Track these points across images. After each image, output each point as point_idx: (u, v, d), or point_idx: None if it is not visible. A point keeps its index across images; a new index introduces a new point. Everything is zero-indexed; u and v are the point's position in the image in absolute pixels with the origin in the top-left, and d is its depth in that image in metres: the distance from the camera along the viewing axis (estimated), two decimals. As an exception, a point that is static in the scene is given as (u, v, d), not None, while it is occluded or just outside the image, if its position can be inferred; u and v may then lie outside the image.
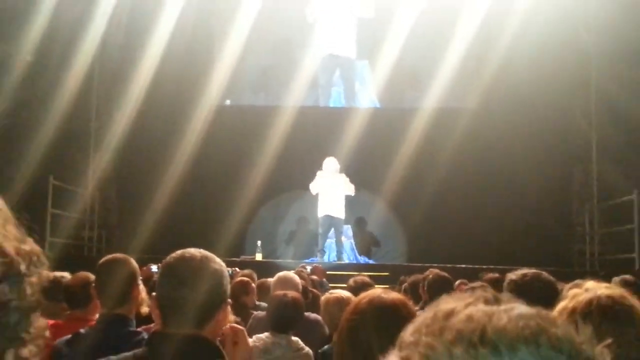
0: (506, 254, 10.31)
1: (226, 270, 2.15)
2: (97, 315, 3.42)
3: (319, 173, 11.83)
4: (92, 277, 3.70)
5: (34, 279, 0.73)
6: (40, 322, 0.75)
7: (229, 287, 2.17)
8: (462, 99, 13.57)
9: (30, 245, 0.76)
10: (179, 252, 2.10)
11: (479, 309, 0.67)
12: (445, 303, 0.71)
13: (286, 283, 5.19)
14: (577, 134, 12.74)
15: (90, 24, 11.95)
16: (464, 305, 0.69)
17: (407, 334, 0.69)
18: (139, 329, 3.17)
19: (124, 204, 12.94)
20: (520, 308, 0.68)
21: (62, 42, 11.65)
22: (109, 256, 3.40)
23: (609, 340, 2.02)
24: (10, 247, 0.71)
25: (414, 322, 0.70)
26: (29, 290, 0.72)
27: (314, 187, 11.78)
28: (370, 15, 13.39)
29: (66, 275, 4.34)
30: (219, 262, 2.11)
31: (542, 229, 12.13)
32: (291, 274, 5.69)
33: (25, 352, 0.72)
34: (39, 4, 11.23)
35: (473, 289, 4.67)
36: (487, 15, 12.67)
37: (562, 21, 12.53)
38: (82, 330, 3.23)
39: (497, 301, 0.70)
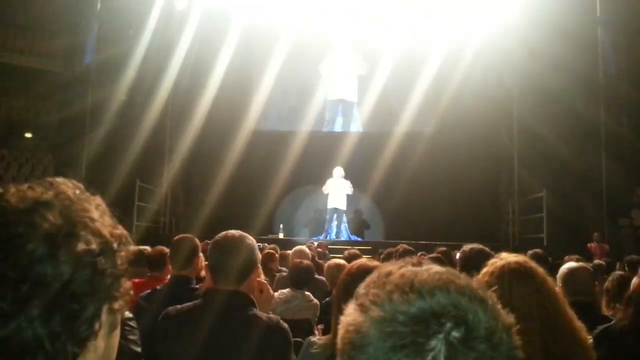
0: (454, 234, 10.28)
1: (256, 244, 2.16)
2: (169, 276, 3.44)
3: (330, 179, 11.84)
4: (165, 249, 3.73)
5: (122, 254, 0.74)
6: (127, 284, 0.75)
7: (259, 256, 2.16)
8: (423, 124, 13.57)
9: (120, 230, 0.76)
10: (223, 232, 2.13)
11: (409, 269, 0.68)
12: (386, 266, 0.72)
13: (301, 254, 5.20)
14: (503, 149, 12.69)
15: (166, 72, 12.00)
16: (398, 268, 0.69)
17: (361, 288, 0.70)
18: (197, 286, 3.18)
19: (188, 198, 12.96)
20: (436, 268, 0.68)
21: (146, 85, 11.72)
22: (180, 235, 3.40)
23: (495, 287, 2.04)
24: (105, 231, 0.72)
25: (365, 280, 0.71)
26: (119, 262, 0.73)
27: (325, 187, 11.82)
28: (364, 72, 13.48)
29: (147, 248, 4.36)
30: (251, 239, 2.12)
31: (479, 216, 12.09)
32: (304, 247, 5.69)
33: (116, 305, 0.73)
34: (131, 58, 11.31)
35: (423, 257, 4.71)
36: (442, 63, 12.66)
37: (493, 69, 12.52)
38: (158, 287, 3.25)
39: (420, 264, 0.70)
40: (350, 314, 0.67)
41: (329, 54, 13.60)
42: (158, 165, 12.18)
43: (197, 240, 3.29)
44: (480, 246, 3.11)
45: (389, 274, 0.69)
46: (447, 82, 12.64)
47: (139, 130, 11.18)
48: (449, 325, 0.60)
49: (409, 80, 12.86)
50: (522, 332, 1.70)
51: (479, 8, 12.24)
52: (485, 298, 0.65)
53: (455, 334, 0.60)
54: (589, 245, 9.93)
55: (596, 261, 7.07)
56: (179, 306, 2.08)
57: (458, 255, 3.27)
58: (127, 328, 2.15)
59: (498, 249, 2.28)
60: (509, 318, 0.66)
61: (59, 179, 0.75)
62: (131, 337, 2.18)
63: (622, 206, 12.19)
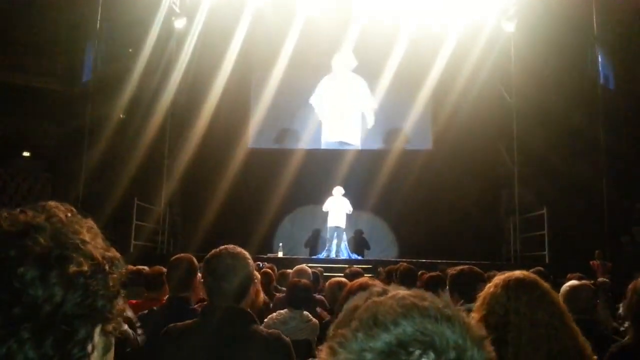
0: (455, 252, 10.25)
1: (251, 261, 2.10)
2: (166, 297, 3.41)
3: (330, 198, 11.84)
4: (163, 269, 3.69)
5: (115, 276, 0.75)
6: (120, 306, 0.76)
7: (254, 271, 2.13)
8: (422, 142, 13.63)
9: (112, 252, 0.77)
10: (214, 251, 2.07)
11: (373, 301, 0.67)
12: (352, 302, 0.71)
13: (301, 272, 5.16)
14: (503, 167, 12.69)
15: (164, 90, 12.07)
16: (364, 300, 0.69)
17: (330, 329, 0.69)
18: (196, 306, 3.15)
19: (186, 217, 12.93)
20: (401, 293, 0.68)
21: (144, 104, 11.77)
22: (177, 255, 3.36)
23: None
24: (97, 253, 0.73)
25: (336, 320, 0.71)
26: (111, 283, 0.73)
27: (325, 206, 11.83)
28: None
29: (145, 268, 4.34)
30: (244, 254, 2.07)
31: (480, 234, 12.06)
32: (305, 266, 5.65)
33: (109, 327, 0.74)
34: (130, 76, 11.38)
35: (424, 275, 4.68)
36: (441, 81, 12.72)
37: (492, 87, 12.58)
38: (154, 308, 3.22)
39: (385, 292, 0.70)
40: (322, 358, 0.66)
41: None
42: (156, 183, 12.17)
43: (195, 261, 3.23)
44: (470, 267, 3.13)
45: (355, 309, 0.68)
46: (445, 99, 12.71)
47: (137, 149, 11.20)
48: (417, 352, 0.60)
49: (407, 98, 12.94)
50: (529, 339, 1.69)
51: (477, 26, 12.35)
52: (452, 316, 0.64)
53: None
54: (591, 262, 9.88)
55: (600, 279, 7.05)
56: (178, 323, 2.07)
57: (449, 276, 3.28)
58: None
59: (500, 267, 2.28)
60: (479, 331, 0.65)
61: (51, 203, 0.76)
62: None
63: (623, 223, 12.18)
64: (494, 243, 12.47)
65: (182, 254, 3.37)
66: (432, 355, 0.60)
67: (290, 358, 2.00)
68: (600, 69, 12.76)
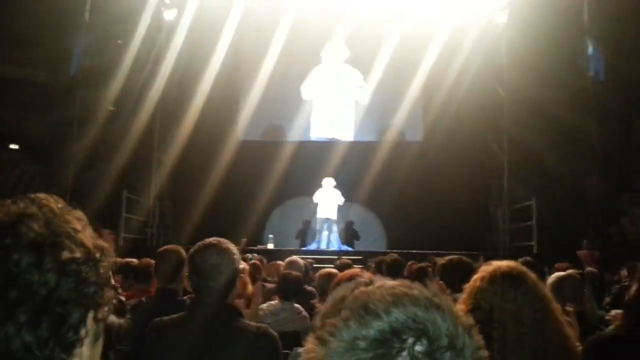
0: (445, 242, 10.28)
1: (237, 255, 2.05)
2: (154, 289, 3.39)
3: (320, 189, 11.83)
4: (152, 261, 3.67)
5: (105, 264, 0.77)
6: (109, 293, 0.78)
7: (239, 265, 2.10)
8: (413, 134, 13.67)
9: (101, 242, 0.79)
10: (200, 246, 2.01)
11: (361, 291, 0.67)
12: (338, 292, 0.71)
13: (293, 264, 5.17)
14: (493, 158, 12.74)
15: (154, 82, 11.97)
16: (351, 291, 0.69)
17: (317, 320, 0.69)
18: (184, 298, 3.15)
19: (176, 209, 12.88)
20: (388, 283, 0.68)
21: (134, 95, 11.68)
22: (164, 247, 3.36)
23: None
24: (88, 242, 0.76)
25: (321, 310, 0.71)
26: (101, 271, 0.76)
27: (315, 198, 11.82)
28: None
29: (134, 260, 4.32)
30: (229, 248, 2.02)
31: (469, 225, 12.11)
32: (296, 258, 5.65)
33: (100, 314, 0.76)
34: (118, 68, 11.28)
35: (413, 266, 4.71)
36: (432, 73, 12.71)
37: (483, 78, 12.60)
38: (143, 299, 3.21)
39: (371, 283, 0.69)
40: (310, 349, 0.65)
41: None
42: (145, 176, 12.10)
43: (183, 252, 3.20)
44: (459, 256, 3.15)
45: (342, 299, 0.68)
46: (437, 91, 12.72)
47: (126, 141, 11.12)
48: (410, 340, 0.60)
49: (399, 90, 12.94)
50: (514, 336, 1.70)
51: (467, 18, 12.35)
52: (441, 304, 0.65)
53: (418, 347, 0.59)
54: (578, 252, 9.97)
55: (587, 269, 7.11)
56: (165, 317, 2.05)
57: (438, 265, 3.31)
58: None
59: (488, 258, 2.28)
60: (468, 320, 0.65)
61: (41, 195, 0.79)
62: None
63: (611, 213, 12.30)
64: (483, 233, 12.55)
65: (170, 246, 3.37)
66: (425, 342, 0.60)
67: (277, 352, 1.99)
68: (590, 61, 12.82)
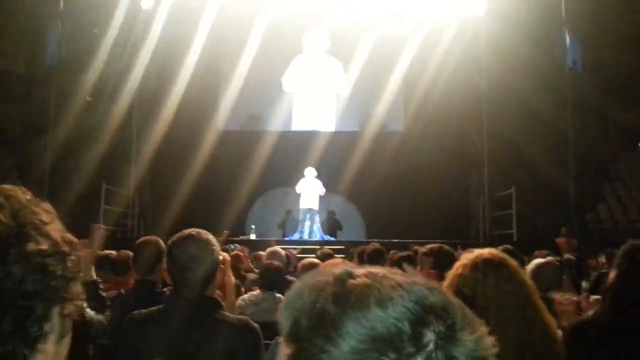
0: (425, 232, 10.33)
1: (216, 246, 2.00)
2: (133, 281, 3.35)
3: (302, 179, 11.79)
4: (130, 253, 3.62)
5: (73, 258, 0.75)
6: (77, 288, 0.75)
7: (219, 256, 2.06)
8: (394, 124, 13.71)
9: (70, 235, 0.77)
10: (178, 237, 1.97)
11: (365, 282, 0.63)
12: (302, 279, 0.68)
13: (274, 255, 5.15)
14: (473, 148, 12.84)
15: (131, 71, 11.77)
16: (313, 277, 0.66)
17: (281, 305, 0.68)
18: (164, 289, 3.10)
19: (155, 200, 12.73)
20: (378, 271, 0.64)
21: (111, 85, 11.49)
22: (143, 238, 3.32)
23: (469, 277, 1.96)
24: (56, 235, 0.74)
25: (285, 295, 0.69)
26: (69, 264, 0.73)
27: (298, 187, 11.78)
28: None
29: (113, 252, 4.26)
30: (209, 239, 1.98)
31: (450, 214, 12.19)
32: (278, 248, 5.63)
33: (66, 310, 0.74)
34: (95, 57, 11.07)
35: (395, 255, 4.73)
36: (413, 64, 12.76)
37: (463, 70, 12.64)
38: (122, 291, 3.16)
39: (351, 274, 0.65)
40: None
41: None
42: (124, 167, 11.93)
43: (161, 244, 3.16)
44: (440, 245, 3.17)
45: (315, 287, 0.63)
46: (418, 82, 12.77)
47: (104, 132, 10.95)
48: (436, 322, 0.58)
49: (380, 81, 12.95)
50: (496, 322, 1.69)
51: (447, 10, 12.36)
52: (433, 285, 0.62)
53: (441, 328, 0.58)
54: (557, 240, 10.10)
55: (565, 256, 7.20)
56: (143, 310, 2.01)
57: (419, 254, 3.32)
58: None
59: (469, 246, 2.28)
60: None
61: (7, 186, 0.77)
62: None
63: (589, 201, 12.51)
64: (464, 222, 12.66)
65: (148, 237, 3.32)
66: (447, 317, 0.58)
67: (258, 344, 1.96)
68: (568, 53, 12.97)
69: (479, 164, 12.62)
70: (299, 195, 11.81)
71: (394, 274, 0.63)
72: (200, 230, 2.01)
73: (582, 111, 12.32)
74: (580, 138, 11.95)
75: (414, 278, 0.63)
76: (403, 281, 0.61)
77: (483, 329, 0.62)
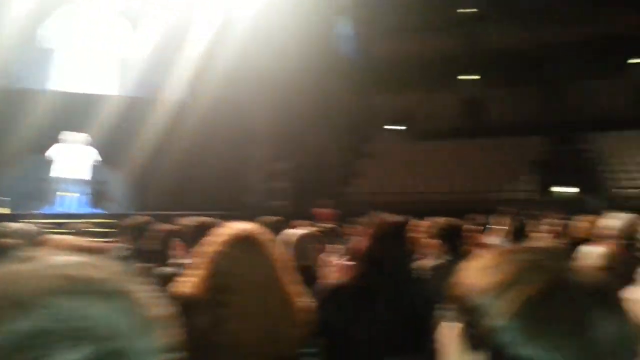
0: (197, 203, 10.19)
1: None
2: None
3: (59, 144, 10.50)
4: None
5: None
6: None
7: None
8: (174, 93, 13.18)
9: None
10: None
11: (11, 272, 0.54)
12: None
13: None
14: (251, 124, 13.07)
15: None
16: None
17: None
18: None
19: None
20: (52, 259, 0.55)
21: None
22: None
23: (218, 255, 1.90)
24: None
25: None
26: None
27: (51, 153, 10.43)
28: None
29: None
30: None
31: (226, 186, 12.29)
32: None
33: None
34: None
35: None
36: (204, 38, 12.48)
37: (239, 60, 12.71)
38: None
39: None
40: None
41: None
42: None
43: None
44: (201, 219, 3.18)
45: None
46: (206, 57, 12.52)
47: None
48: (62, 345, 0.47)
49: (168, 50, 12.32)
50: (244, 300, 1.70)
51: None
52: (117, 292, 0.52)
53: (71, 355, 0.47)
54: (318, 210, 10.93)
55: (327, 225, 7.80)
56: None
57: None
58: None
59: (239, 218, 2.29)
60: (151, 311, 0.54)
61: None
62: None
63: (347, 175, 13.85)
64: (236, 194, 12.84)
65: None
66: (84, 347, 0.47)
67: None
68: (341, 38, 14.00)
69: (256, 139, 12.94)
70: (59, 163, 10.57)
71: (52, 269, 0.53)
72: None
73: (350, 95, 13.49)
74: (344, 120, 13.12)
75: (79, 278, 0.53)
76: (49, 286, 0.51)
77: None
